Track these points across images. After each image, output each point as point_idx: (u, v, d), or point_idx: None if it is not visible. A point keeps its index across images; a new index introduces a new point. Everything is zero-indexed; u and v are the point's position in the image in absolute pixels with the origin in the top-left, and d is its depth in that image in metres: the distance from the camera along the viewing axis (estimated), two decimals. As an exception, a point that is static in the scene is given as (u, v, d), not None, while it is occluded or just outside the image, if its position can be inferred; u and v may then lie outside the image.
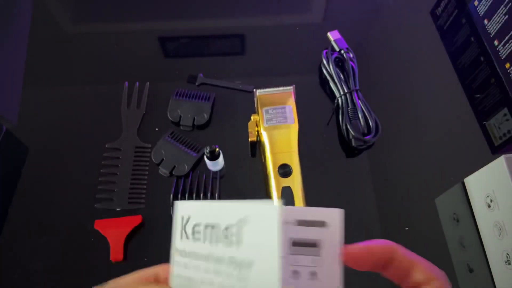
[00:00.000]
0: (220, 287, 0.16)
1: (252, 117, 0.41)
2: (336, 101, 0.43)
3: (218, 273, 0.16)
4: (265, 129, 0.40)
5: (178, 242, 0.18)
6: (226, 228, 0.16)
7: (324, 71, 0.45)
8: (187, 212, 0.18)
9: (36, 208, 0.40)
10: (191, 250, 0.17)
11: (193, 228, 0.17)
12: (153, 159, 0.41)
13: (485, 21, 0.45)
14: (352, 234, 0.41)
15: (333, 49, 0.46)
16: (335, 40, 0.46)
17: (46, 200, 0.40)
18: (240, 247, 0.16)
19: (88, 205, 0.39)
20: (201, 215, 0.17)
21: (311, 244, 0.17)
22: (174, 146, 0.42)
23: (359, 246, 0.18)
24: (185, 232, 0.17)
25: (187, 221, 0.17)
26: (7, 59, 0.50)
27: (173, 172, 0.41)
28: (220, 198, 0.40)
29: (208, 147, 0.39)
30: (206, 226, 0.17)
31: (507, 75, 0.42)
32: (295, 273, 0.17)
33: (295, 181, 0.38)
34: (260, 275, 0.15)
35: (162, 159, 0.41)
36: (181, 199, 0.39)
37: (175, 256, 0.18)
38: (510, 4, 0.41)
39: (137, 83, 0.46)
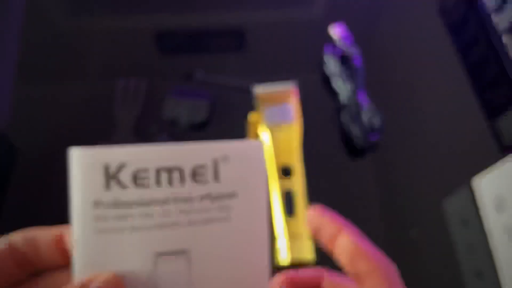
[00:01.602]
0: (192, 222, 0.16)
1: (251, 116, 0.40)
2: (340, 99, 0.42)
3: (188, 211, 0.16)
4: (266, 128, 0.39)
5: (101, 193, 0.16)
6: (194, 169, 0.16)
7: (327, 68, 0.44)
8: (117, 159, 0.16)
9: (27, 211, 0.39)
10: (132, 198, 0.16)
11: (134, 174, 0.16)
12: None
13: (494, 17, 0.44)
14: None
15: (337, 45, 0.45)
16: (339, 36, 0.45)
17: (38, 202, 0.39)
18: (219, 183, 0.16)
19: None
20: (145, 160, 0.16)
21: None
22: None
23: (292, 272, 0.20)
24: (118, 181, 0.16)
25: (119, 169, 0.16)
26: (-2, 55, 0.49)
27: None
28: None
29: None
30: (159, 170, 0.16)
31: (517, 73, 0.41)
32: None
33: (297, 182, 0.38)
34: (246, 204, 0.17)
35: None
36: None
37: (91, 210, 0.16)
38: (520, -2, 0.39)
39: (132, 81, 0.45)
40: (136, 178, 0.16)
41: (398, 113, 0.44)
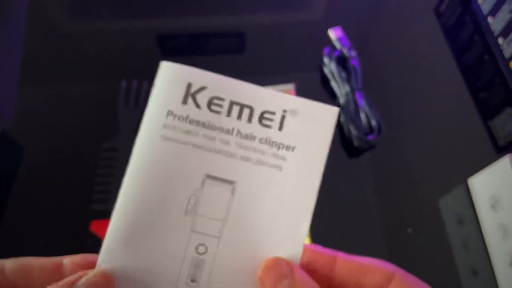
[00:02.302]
0: (245, 158, 0.17)
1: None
2: (337, 100, 0.43)
3: (245, 147, 0.17)
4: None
5: (177, 105, 0.17)
6: (263, 112, 0.17)
7: (326, 70, 0.45)
8: (201, 81, 0.17)
9: (31, 209, 0.39)
10: (203, 119, 0.17)
11: (211, 100, 0.17)
12: None
13: (489, 19, 0.44)
14: (354, 235, 0.40)
15: (335, 47, 0.45)
16: (337, 38, 0.45)
17: (41, 201, 0.40)
18: (281, 132, 0.17)
19: (85, 206, 0.39)
20: (225, 90, 0.17)
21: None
22: None
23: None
24: (194, 100, 0.17)
25: (200, 90, 0.17)
26: (3, 57, 0.49)
27: None
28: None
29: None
30: (233, 103, 0.17)
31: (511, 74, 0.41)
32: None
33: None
34: (301, 161, 0.17)
35: None
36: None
37: (164, 117, 0.17)
38: (515, 1, 0.40)
39: (135, 82, 0.46)
40: (211, 103, 0.17)
41: (395, 114, 0.44)
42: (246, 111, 0.17)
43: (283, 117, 0.17)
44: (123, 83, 0.45)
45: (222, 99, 0.17)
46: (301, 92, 0.42)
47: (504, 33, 0.42)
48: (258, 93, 0.17)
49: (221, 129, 0.17)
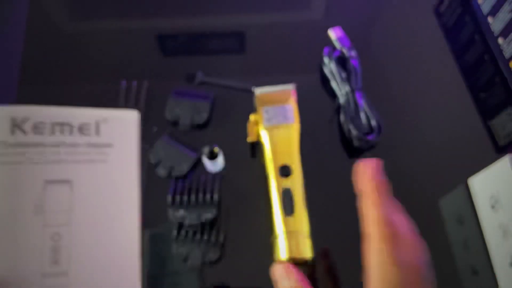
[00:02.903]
0: (75, 159, 0.22)
1: (251, 117, 0.41)
2: (337, 100, 0.43)
3: (73, 153, 0.22)
4: (265, 129, 0.40)
5: (7, 136, 0.22)
6: (81, 125, 0.23)
7: (326, 70, 0.45)
8: (21, 114, 0.23)
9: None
10: (32, 141, 0.22)
11: (34, 125, 0.23)
12: (150, 160, 0.41)
13: (489, 19, 0.44)
14: (354, 235, 0.40)
15: (335, 47, 0.45)
16: (337, 38, 0.45)
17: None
18: (99, 136, 0.23)
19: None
20: (44, 116, 0.23)
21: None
22: (172, 146, 0.41)
23: None
24: (21, 129, 0.22)
25: (24, 121, 0.22)
26: (3, 57, 0.49)
27: (171, 173, 0.40)
28: (220, 199, 0.39)
29: (207, 147, 0.38)
30: (54, 124, 0.23)
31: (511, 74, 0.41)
32: None
33: (296, 182, 0.38)
34: (120, 152, 0.24)
35: (160, 160, 0.41)
36: (180, 200, 0.38)
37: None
38: (515, 1, 0.40)
39: (135, 82, 0.46)
40: (35, 128, 0.23)
41: (395, 114, 0.44)
42: (66, 127, 0.23)
43: (97, 125, 0.24)
44: (123, 83, 0.45)
45: (43, 123, 0.23)
46: (301, 92, 0.42)
47: (504, 33, 0.42)
48: (73, 112, 0.23)
49: (49, 145, 0.22)
